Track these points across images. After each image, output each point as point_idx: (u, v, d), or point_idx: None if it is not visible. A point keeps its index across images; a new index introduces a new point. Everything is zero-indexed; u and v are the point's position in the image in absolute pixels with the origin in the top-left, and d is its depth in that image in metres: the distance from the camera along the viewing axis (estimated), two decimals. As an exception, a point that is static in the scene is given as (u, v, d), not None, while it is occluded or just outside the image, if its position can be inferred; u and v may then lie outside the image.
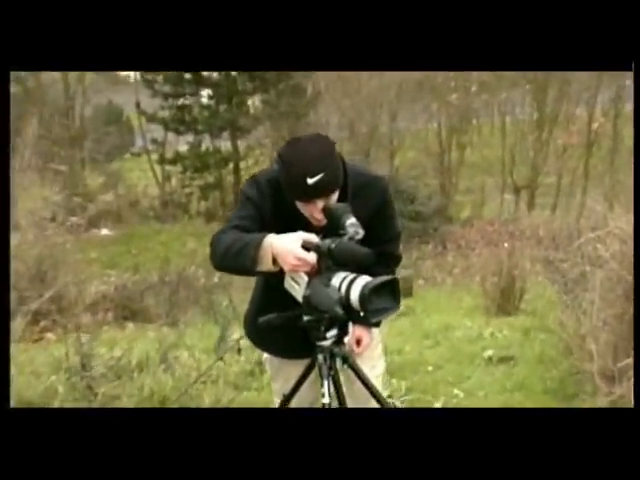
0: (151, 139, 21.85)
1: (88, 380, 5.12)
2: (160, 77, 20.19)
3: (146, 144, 22.12)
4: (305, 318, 2.58)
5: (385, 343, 6.70)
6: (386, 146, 19.23)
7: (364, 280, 2.43)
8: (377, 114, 19.65)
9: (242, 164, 20.70)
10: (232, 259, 2.58)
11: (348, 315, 2.48)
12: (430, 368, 6.00)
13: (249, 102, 21.35)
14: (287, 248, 2.45)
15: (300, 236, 2.48)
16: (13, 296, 8.93)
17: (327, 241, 2.47)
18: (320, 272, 2.50)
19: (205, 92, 20.74)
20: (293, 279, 2.59)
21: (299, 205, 2.65)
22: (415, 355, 6.51)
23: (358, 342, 2.93)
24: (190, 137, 20.71)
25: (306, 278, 2.53)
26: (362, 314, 2.42)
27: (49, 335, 8.61)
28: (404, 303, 10.08)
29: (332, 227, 2.55)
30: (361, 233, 2.51)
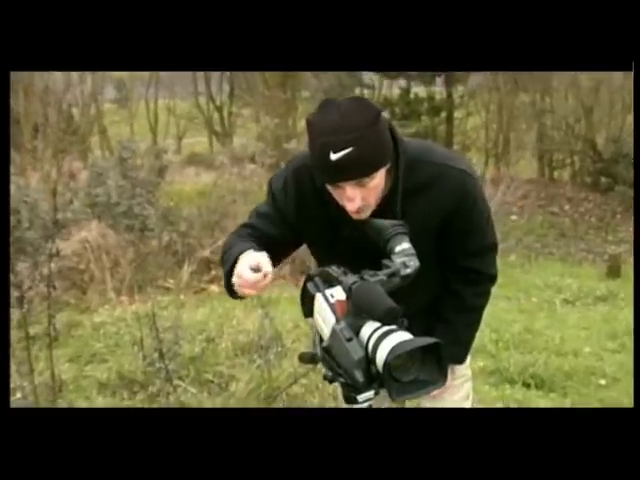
0: (365, 83, 21.34)
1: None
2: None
3: (362, 89, 21.65)
4: (324, 372, 1.87)
5: (563, 336, 6.15)
6: (618, 99, 17.26)
7: (399, 338, 1.67)
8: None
9: (457, 113, 19.69)
10: (223, 271, 2.12)
11: (371, 384, 1.75)
12: (603, 382, 5.09)
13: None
14: (238, 266, 1.95)
15: (253, 255, 1.96)
16: (182, 241, 8.85)
17: (352, 277, 1.76)
18: (347, 316, 1.77)
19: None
20: (320, 315, 1.87)
21: (330, 189, 2.01)
22: (592, 361, 5.61)
23: None
24: (403, 82, 19.99)
25: (333, 320, 1.80)
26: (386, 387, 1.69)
27: (212, 287, 8.34)
28: (607, 285, 9.18)
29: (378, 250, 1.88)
30: (413, 266, 1.79)
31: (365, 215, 2.01)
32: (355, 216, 2.01)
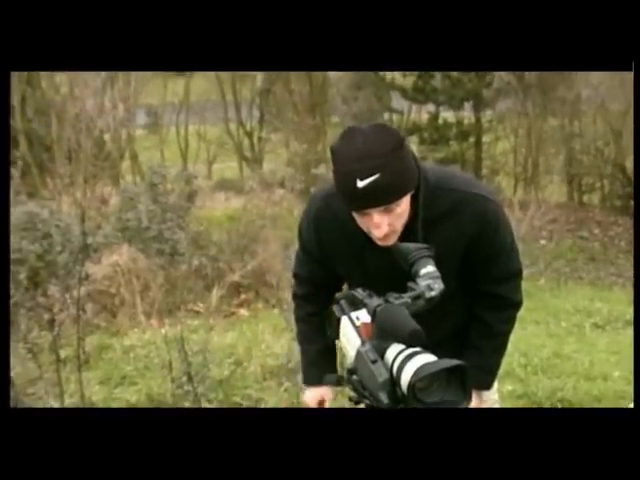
0: (393, 108, 21.31)
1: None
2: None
3: (391, 114, 21.62)
4: (350, 394, 1.89)
5: (592, 360, 6.08)
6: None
7: (424, 360, 1.69)
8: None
9: (485, 138, 19.64)
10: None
11: (396, 406, 1.75)
12: (632, 405, 5.00)
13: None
14: (306, 397, 2.49)
15: (321, 392, 2.44)
16: (212, 266, 8.88)
17: (376, 300, 1.77)
18: (372, 338, 1.80)
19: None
20: (346, 337, 1.90)
21: (356, 217, 2.02)
22: (622, 385, 5.52)
23: None
24: (431, 107, 19.95)
25: (358, 342, 1.82)
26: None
27: (242, 311, 8.38)
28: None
29: (403, 273, 1.87)
30: (437, 289, 1.80)
31: (392, 241, 2.01)
32: (381, 243, 2.02)
